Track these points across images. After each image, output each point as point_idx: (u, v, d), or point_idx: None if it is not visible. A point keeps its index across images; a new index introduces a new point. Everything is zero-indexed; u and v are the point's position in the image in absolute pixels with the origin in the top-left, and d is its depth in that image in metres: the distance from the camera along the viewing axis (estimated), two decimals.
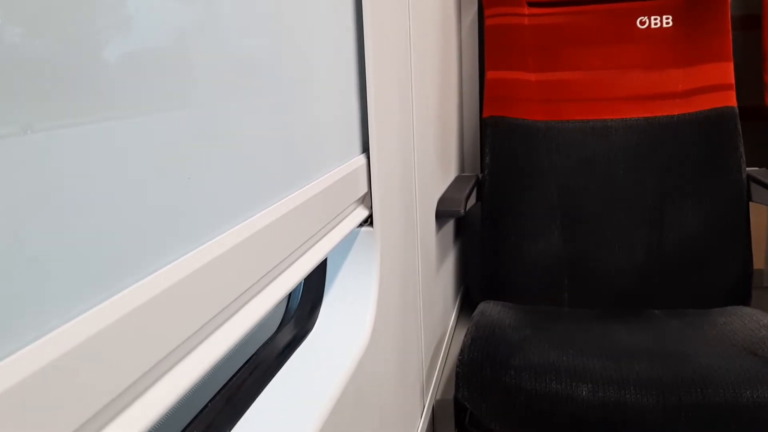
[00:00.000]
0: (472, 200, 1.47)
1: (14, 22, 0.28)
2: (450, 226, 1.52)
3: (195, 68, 0.42)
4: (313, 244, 0.63)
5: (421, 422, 1.11)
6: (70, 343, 0.30)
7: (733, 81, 1.47)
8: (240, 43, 0.48)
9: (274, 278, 0.54)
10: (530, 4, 1.59)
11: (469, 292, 1.79)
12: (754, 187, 1.40)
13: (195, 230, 0.42)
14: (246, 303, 0.49)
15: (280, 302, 0.56)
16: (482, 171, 1.54)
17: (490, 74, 1.60)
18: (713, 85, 1.47)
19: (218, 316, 0.44)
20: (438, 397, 1.25)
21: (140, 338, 0.35)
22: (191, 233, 0.41)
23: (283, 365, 0.68)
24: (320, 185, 0.64)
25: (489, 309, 1.29)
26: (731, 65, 1.48)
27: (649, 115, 1.50)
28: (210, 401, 0.59)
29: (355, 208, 0.77)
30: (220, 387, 0.62)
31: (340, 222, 0.71)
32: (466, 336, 1.16)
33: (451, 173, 1.56)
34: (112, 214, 0.34)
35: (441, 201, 1.32)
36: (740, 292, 1.39)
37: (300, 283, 0.79)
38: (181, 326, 0.39)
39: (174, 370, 0.40)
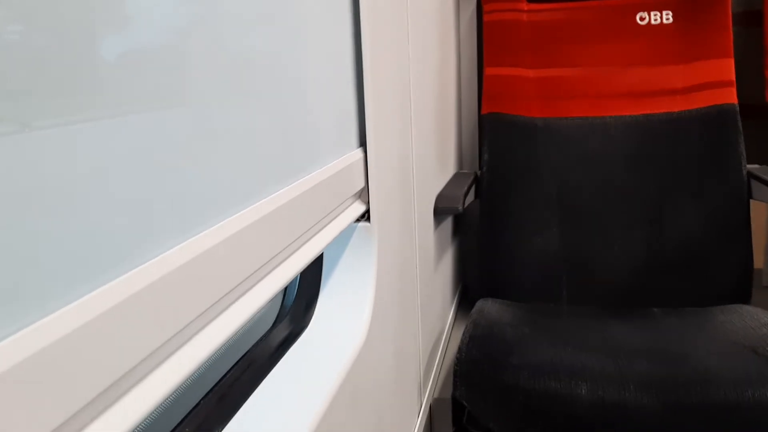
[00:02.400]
0: (471, 197, 1.46)
1: (12, 20, 0.28)
2: (448, 223, 1.51)
3: (191, 64, 0.41)
4: (309, 239, 0.62)
5: (419, 421, 1.10)
6: (53, 336, 0.29)
7: (733, 78, 1.46)
8: (237, 38, 0.47)
9: (269, 272, 0.53)
10: (529, 0, 1.58)
11: (468, 289, 1.78)
12: (754, 184, 1.39)
13: (186, 222, 0.41)
14: (239, 297, 0.48)
15: (275, 298, 0.55)
16: (481, 168, 1.53)
17: (488, 70, 1.58)
18: (713, 81, 1.47)
19: (210, 310, 0.43)
20: (435, 395, 1.24)
21: (128, 331, 0.34)
22: (183, 224, 0.40)
23: (278, 362, 0.67)
24: (316, 178, 0.62)
25: (487, 307, 1.28)
26: (732, 62, 1.47)
27: (648, 111, 1.49)
28: (202, 399, 0.58)
29: (351, 203, 0.76)
30: (213, 384, 0.60)
31: (336, 216, 0.70)
32: (464, 334, 1.15)
33: (450, 170, 1.55)
34: (103, 205, 0.33)
35: (439, 198, 1.31)
36: (740, 290, 1.39)
37: (295, 279, 0.78)
38: (171, 320, 0.38)
39: (164, 365, 0.39)
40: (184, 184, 0.40)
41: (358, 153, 0.77)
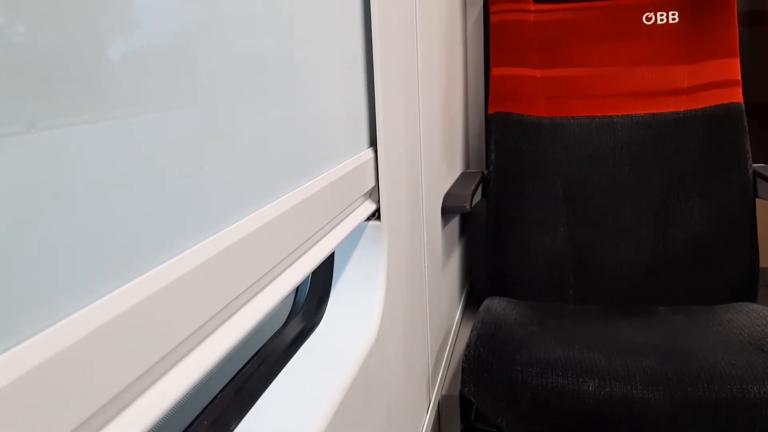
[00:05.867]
0: (478, 196, 1.47)
1: (18, 20, 0.28)
2: (455, 222, 1.52)
3: (204, 64, 0.42)
4: (321, 238, 0.63)
5: (428, 417, 1.11)
6: (76, 335, 0.30)
7: (739, 77, 1.47)
8: (249, 39, 0.48)
9: (282, 271, 0.54)
10: (536, 1, 1.59)
11: (474, 288, 1.79)
12: (760, 183, 1.40)
13: (202, 223, 0.42)
14: (254, 296, 0.49)
15: (288, 296, 0.56)
16: (487, 167, 1.54)
17: (495, 70, 1.59)
18: (719, 81, 1.47)
19: (226, 309, 0.44)
20: (444, 392, 1.25)
21: (148, 331, 0.35)
22: (199, 226, 0.41)
23: (290, 358, 0.68)
24: (328, 178, 0.64)
25: (494, 305, 1.29)
26: (737, 61, 1.48)
27: (654, 111, 1.50)
28: (218, 394, 0.59)
29: (362, 202, 0.77)
30: (229, 380, 0.62)
31: (347, 215, 0.71)
32: (471, 332, 1.16)
33: (457, 169, 1.55)
34: (120, 207, 0.34)
35: (447, 197, 1.32)
36: (746, 288, 1.39)
37: (307, 277, 0.79)
38: (188, 319, 0.39)
39: (182, 363, 0.40)
40: (200, 186, 0.42)
41: (369, 153, 0.78)
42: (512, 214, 1.50)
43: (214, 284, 0.42)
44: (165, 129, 0.38)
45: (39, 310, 0.29)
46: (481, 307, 1.28)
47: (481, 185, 1.51)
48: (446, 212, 1.31)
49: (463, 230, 1.66)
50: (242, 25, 0.47)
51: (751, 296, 1.39)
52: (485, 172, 1.56)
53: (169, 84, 0.38)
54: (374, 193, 0.80)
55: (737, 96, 1.46)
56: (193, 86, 0.41)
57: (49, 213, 0.29)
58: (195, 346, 0.41)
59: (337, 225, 0.68)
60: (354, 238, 0.80)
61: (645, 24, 1.53)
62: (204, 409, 0.57)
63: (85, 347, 0.30)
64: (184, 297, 0.38)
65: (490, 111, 1.57)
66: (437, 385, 1.22)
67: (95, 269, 0.32)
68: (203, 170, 0.41)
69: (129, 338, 0.33)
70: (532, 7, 1.59)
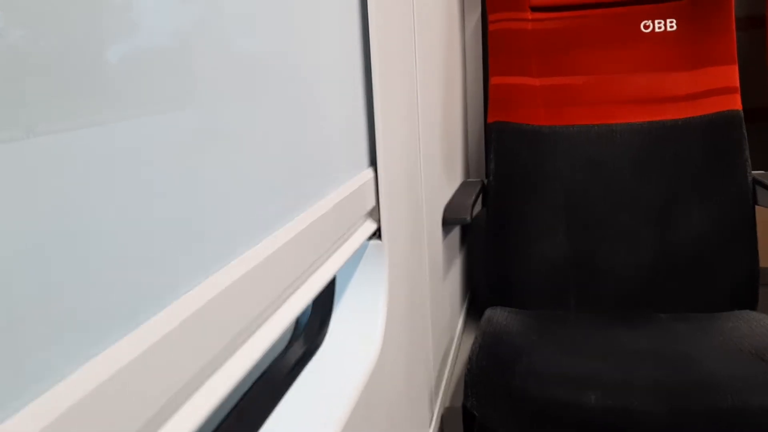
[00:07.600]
0: (478, 206, 1.47)
1: (16, 24, 0.28)
2: (456, 232, 1.52)
3: (200, 85, 0.42)
4: (324, 262, 0.64)
5: (431, 431, 1.12)
6: (87, 387, 0.30)
7: (738, 84, 1.47)
8: (248, 62, 0.49)
9: (285, 300, 0.55)
10: (533, 9, 1.59)
11: (476, 297, 1.80)
12: (759, 190, 1.40)
13: (209, 259, 0.42)
14: (258, 327, 0.49)
15: None
16: (487, 176, 1.54)
17: (494, 79, 1.60)
18: (718, 88, 1.47)
19: (231, 344, 0.45)
20: (447, 405, 1.26)
21: (158, 371, 0.35)
22: (204, 262, 0.42)
23: (294, 381, 0.68)
24: (330, 202, 0.64)
25: (496, 315, 1.29)
26: (736, 68, 1.48)
27: (653, 118, 1.50)
28: (223, 420, 0.59)
29: (363, 222, 0.78)
30: (234, 404, 0.62)
31: (349, 237, 0.72)
32: (473, 343, 1.16)
33: (457, 179, 1.56)
34: (123, 247, 0.34)
35: (447, 208, 1.33)
36: (747, 296, 1.39)
37: None
38: (195, 357, 0.39)
39: (190, 400, 0.40)
40: (204, 222, 0.42)
41: (369, 173, 0.79)
42: (513, 222, 1.51)
43: (220, 320, 0.42)
44: (167, 160, 0.38)
45: (46, 364, 0.29)
46: (483, 318, 1.28)
47: (481, 194, 1.51)
48: (447, 224, 1.31)
49: (464, 239, 1.67)
50: (242, 44, 0.47)
51: (751, 304, 1.39)
52: (485, 181, 1.57)
53: (170, 100, 0.38)
54: (375, 213, 0.81)
55: (736, 103, 1.46)
56: (190, 112, 0.41)
57: (60, 237, 0.30)
58: (202, 383, 0.42)
59: (338, 248, 0.68)
60: (355, 258, 0.81)
61: (643, 32, 1.54)
62: None
63: (93, 399, 0.31)
64: (191, 336, 0.39)
65: (490, 120, 1.58)
66: (440, 397, 1.23)
67: (96, 321, 0.32)
68: (204, 207, 0.42)
69: (137, 382, 0.34)
70: (530, 15, 1.59)
